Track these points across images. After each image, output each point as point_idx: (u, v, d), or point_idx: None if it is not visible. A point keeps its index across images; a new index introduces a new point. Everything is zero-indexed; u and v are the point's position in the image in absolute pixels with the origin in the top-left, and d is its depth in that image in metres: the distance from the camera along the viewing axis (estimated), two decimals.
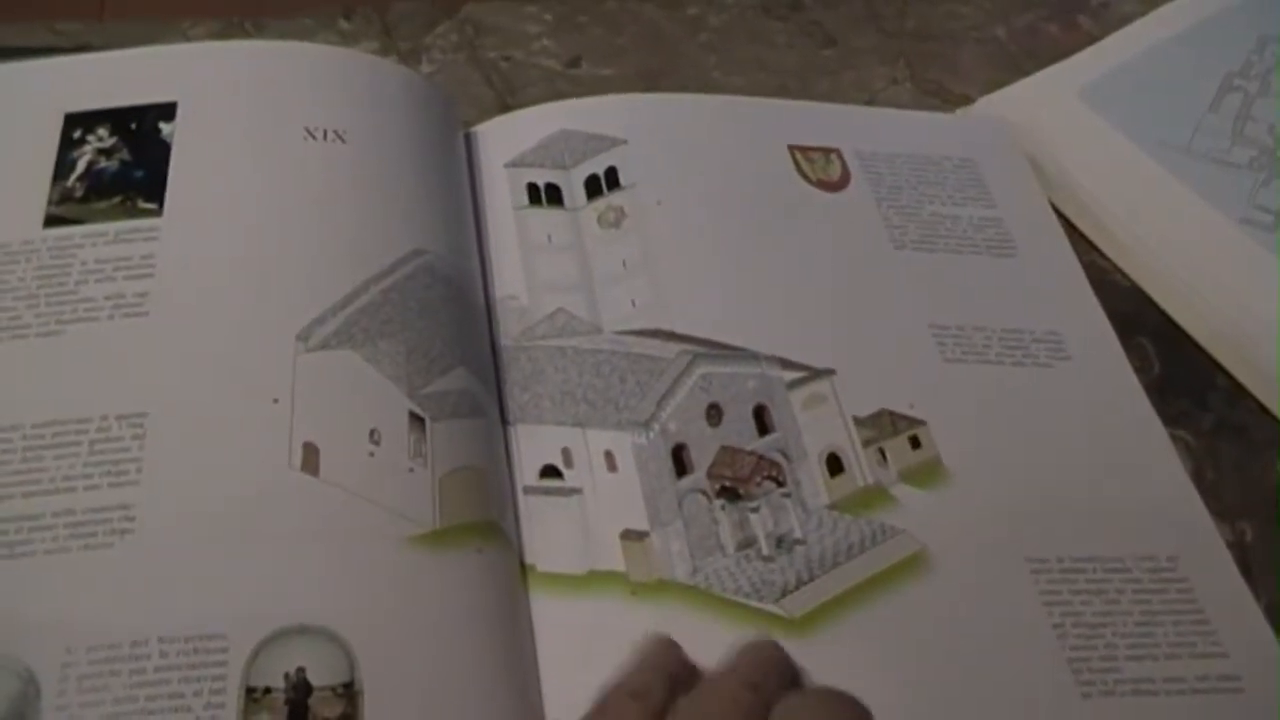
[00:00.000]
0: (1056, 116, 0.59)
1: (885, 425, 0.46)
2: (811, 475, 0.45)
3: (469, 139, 0.54)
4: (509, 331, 0.47)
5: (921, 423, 0.46)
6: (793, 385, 0.46)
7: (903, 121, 0.59)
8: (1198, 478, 0.48)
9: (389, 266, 0.45)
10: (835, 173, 0.54)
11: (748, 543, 0.42)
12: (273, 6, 0.62)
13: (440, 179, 0.50)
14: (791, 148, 0.55)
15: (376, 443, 0.40)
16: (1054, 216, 0.56)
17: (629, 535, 0.42)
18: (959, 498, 0.45)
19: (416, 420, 0.41)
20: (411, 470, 0.40)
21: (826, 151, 0.55)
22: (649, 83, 0.61)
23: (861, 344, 0.48)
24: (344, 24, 0.62)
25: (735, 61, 0.63)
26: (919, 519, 0.44)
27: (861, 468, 0.45)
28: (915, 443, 0.46)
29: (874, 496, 0.44)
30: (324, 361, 0.42)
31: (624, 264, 0.49)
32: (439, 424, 0.42)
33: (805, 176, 0.54)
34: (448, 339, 0.44)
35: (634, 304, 0.48)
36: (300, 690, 0.35)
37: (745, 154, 0.54)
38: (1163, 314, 0.54)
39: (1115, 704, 0.40)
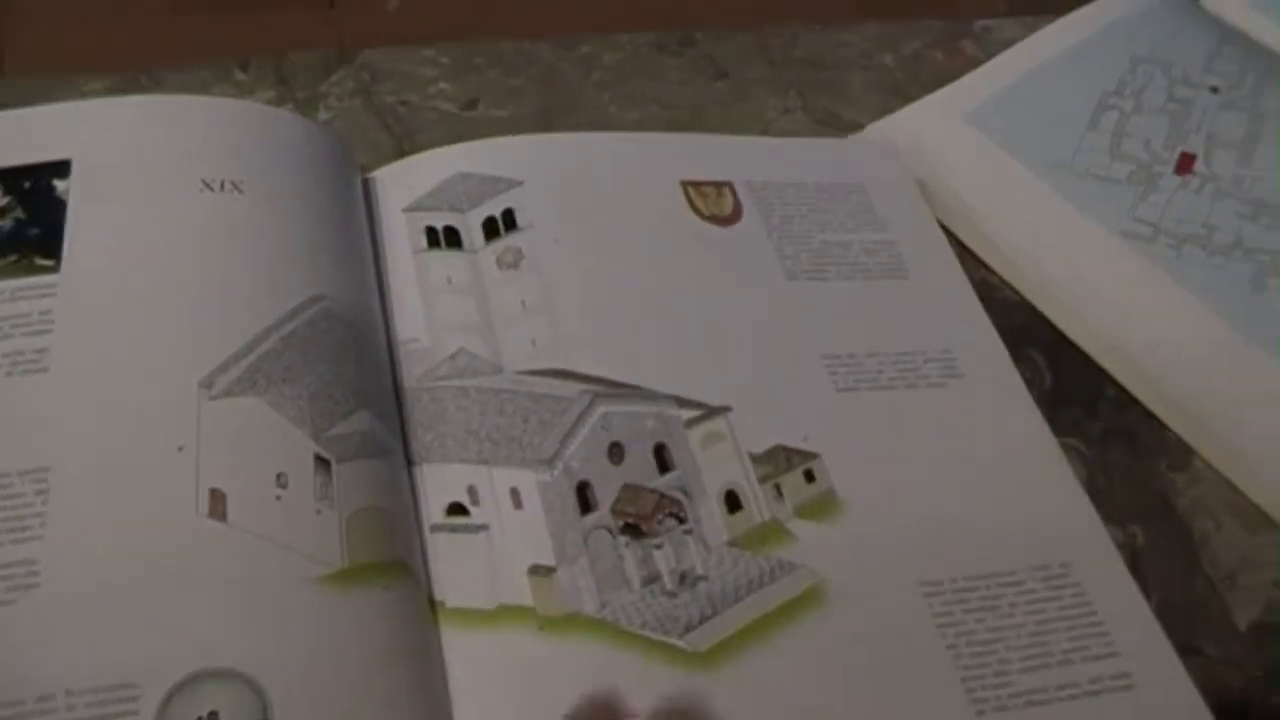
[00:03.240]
0: (944, 139, 0.61)
1: (780, 460, 0.47)
2: (711, 513, 0.46)
3: (367, 185, 0.55)
4: (411, 373, 0.48)
5: (815, 456, 0.48)
6: (690, 424, 0.48)
7: (792, 151, 0.61)
8: (1090, 484, 0.50)
9: (289, 313, 0.46)
10: (727, 207, 0.56)
11: (652, 578, 0.44)
12: (169, 60, 0.63)
13: (339, 225, 0.51)
14: (684, 183, 0.56)
15: (283, 486, 0.41)
16: (943, 236, 0.58)
17: (537, 570, 0.43)
18: (853, 528, 0.46)
19: (322, 463, 0.42)
20: (318, 512, 0.41)
21: (719, 185, 0.57)
22: (546, 122, 0.63)
23: (756, 379, 0.50)
24: (240, 75, 0.63)
25: (629, 98, 0.65)
26: (815, 552, 0.45)
27: (759, 504, 0.46)
28: (809, 476, 0.47)
29: (771, 532, 0.46)
30: (228, 408, 0.43)
31: (523, 304, 0.50)
32: (344, 466, 0.43)
33: (698, 211, 0.56)
34: (350, 382, 0.45)
35: (534, 343, 0.49)
36: None
37: (638, 191, 0.56)
38: (1052, 326, 0.56)
39: (1009, 718, 0.42)
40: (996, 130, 0.61)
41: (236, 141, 0.51)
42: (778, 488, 0.47)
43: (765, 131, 0.64)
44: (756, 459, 0.47)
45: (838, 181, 0.59)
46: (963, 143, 0.61)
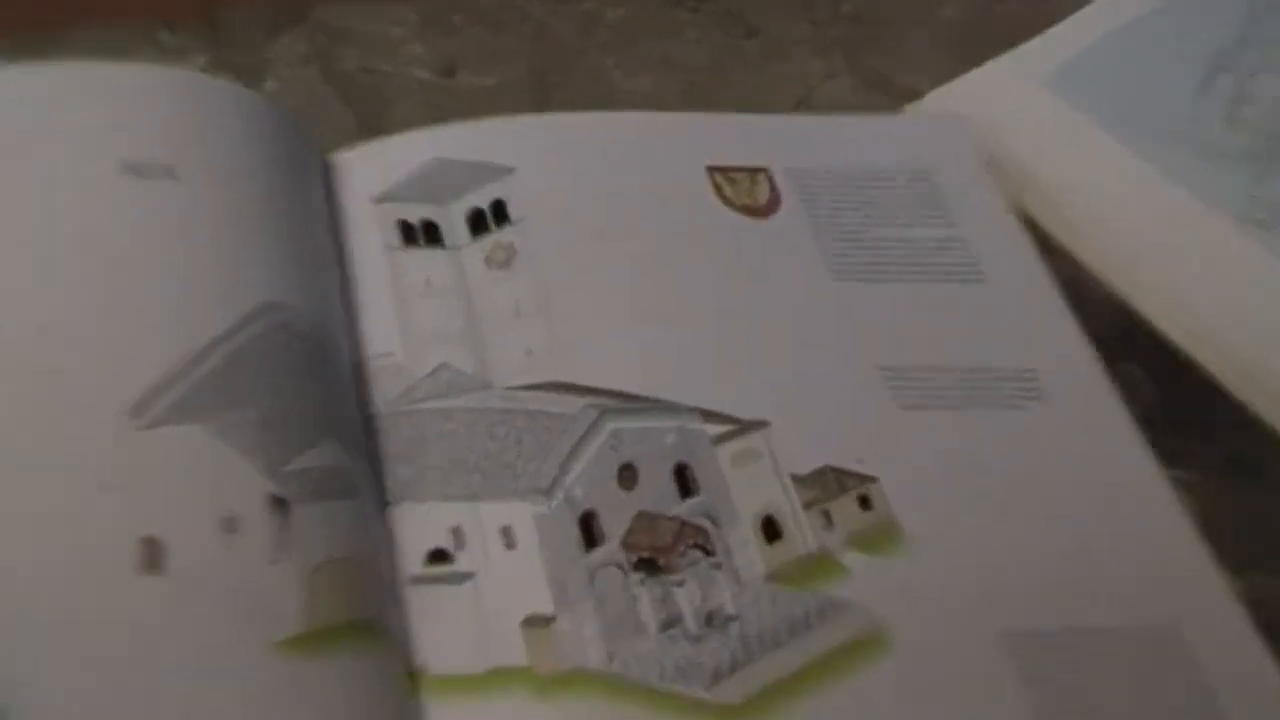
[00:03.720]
0: (1020, 109, 0.62)
1: (829, 483, 0.48)
2: (744, 541, 0.47)
3: (327, 170, 0.56)
4: (384, 394, 0.49)
5: (872, 479, 0.49)
6: (719, 440, 0.49)
7: (842, 130, 0.62)
8: (1204, 525, 0.50)
9: (236, 324, 0.47)
10: (763, 195, 0.57)
11: (672, 621, 0.45)
12: (77, 17, 0.63)
13: (293, 219, 0.52)
14: (711, 169, 0.58)
15: (231, 533, 0.42)
16: (1023, 231, 0.59)
17: (532, 621, 0.44)
18: (919, 565, 0.47)
19: (278, 504, 0.43)
20: (275, 563, 0.42)
21: (752, 172, 0.58)
22: (540, 92, 0.64)
23: (798, 391, 0.51)
24: (166, 36, 0.63)
25: (638, 61, 0.66)
26: (873, 590, 0.46)
27: (803, 532, 0.48)
28: (865, 502, 0.48)
29: (819, 565, 0.47)
30: (163, 439, 0.43)
31: (516, 308, 0.52)
32: (305, 508, 0.43)
33: (727, 201, 0.57)
34: (311, 407, 0.46)
35: (529, 353, 0.50)
36: None
37: (656, 178, 0.57)
38: (1155, 333, 0.57)
39: None
40: (1085, 98, 0.62)
41: (167, 119, 0.52)
42: (826, 514, 0.48)
43: (805, 100, 0.65)
44: (800, 481, 0.49)
45: (897, 166, 0.60)
46: (1043, 113, 0.62)
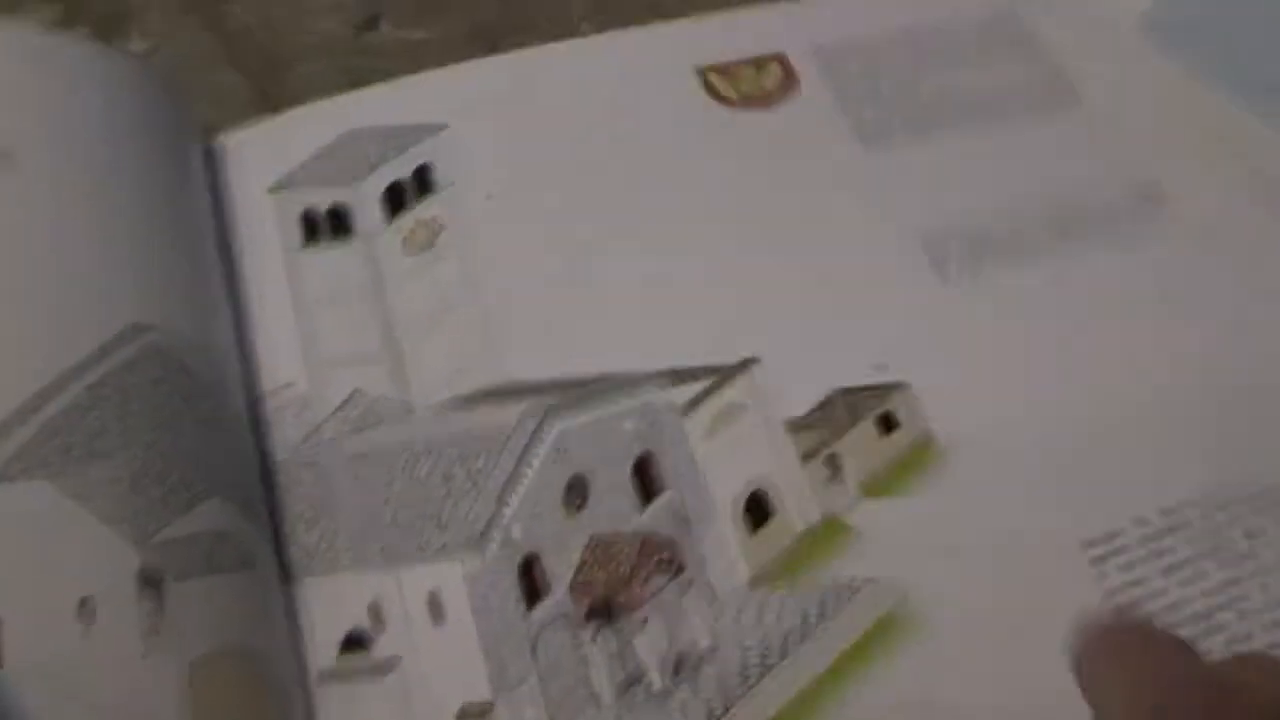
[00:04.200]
0: (1107, 55, 0.61)
1: (838, 416, 0.48)
2: (722, 541, 0.46)
3: (211, 155, 0.55)
4: (285, 438, 0.49)
5: (898, 387, 0.48)
6: (691, 406, 0.48)
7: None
8: None
9: (97, 351, 0.46)
10: (771, 81, 0.57)
11: (633, 679, 0.44)
12: None
13: (168, 217, 0.51)
14: (703, 69, 0.58)
15: (89, 619, 0.41)
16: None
17: (467, 713, 0.43)
18: (964, 481, 0.47)
19: (149, 581, 0.42)
20: (144, 657, 0.41)
21: (759, 62, 0.58)
22: (485, 49, 0.62)
23: (802, 301, 0.51)
24: None
25: (617, 8, 0.64)
26: (898, 545, 0.45)
27: (800, 500, 0.47)
28: (887, 423, 0.48)
29: (821, 539, 0.46)
30: (2, 498, 0.42)
31: (440, 299, 0.51)
32: (185, 584, 0.42)
33: (723, 99, 0.57)
34: (192, 456, 0.45)
35: (459, 357, 0.50)
36: None
37: (627, 98, 0.57)
38: None
39: None
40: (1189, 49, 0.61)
41: (4, 89, 0.51)
42: (833, 459, 0.47)
43: None
44: (797, 426, 0.48)
45: (968, 16, 0.60)
46: (1136, 68, 0.61)
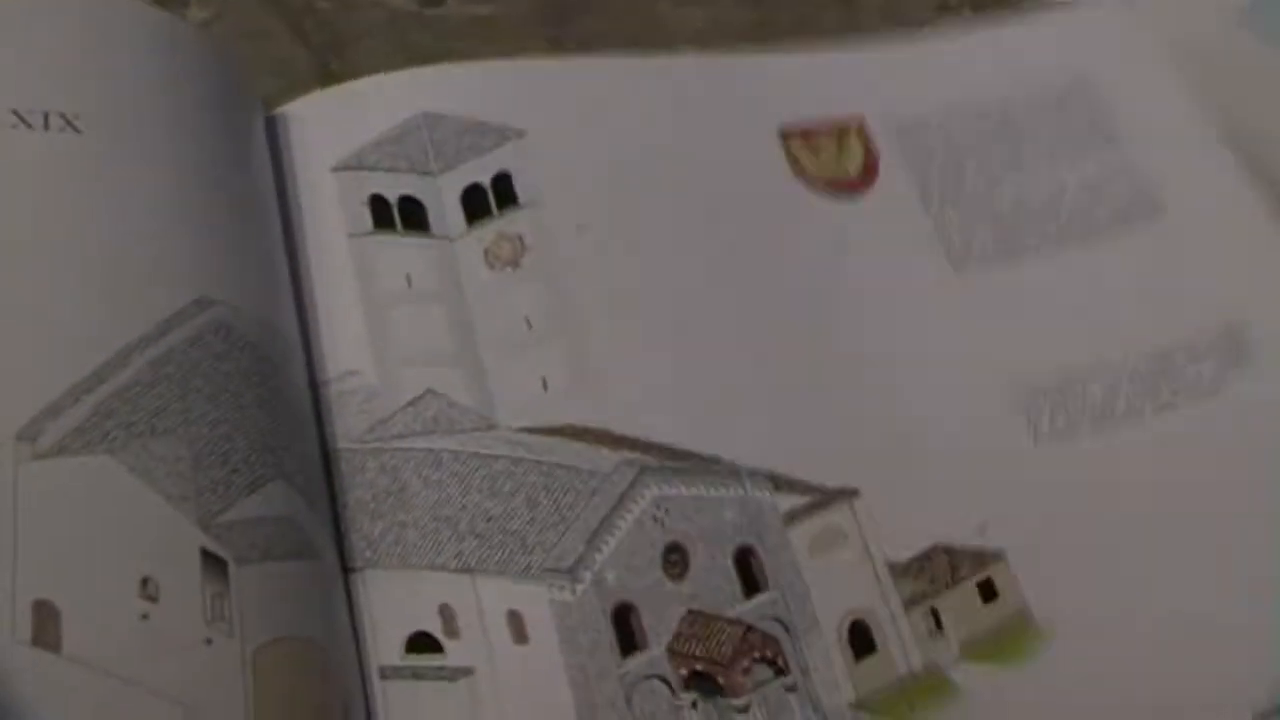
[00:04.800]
0: (1211, 48, 0.60)
1: (939, 570, 0.47)
2: (827, 656, 0.46)
3: (272, 126, 0.55)
4: (349, 426, 0.48)
5: (997, 557, 0.48)
6: (793, 517, 0.48)
7: (959, 50, 0.60)
8: None
9: (160, 325, 0.45)
10: (854, 163, 0.56)
11: None
12: None
13: (232, 188, 0.51)
14: (785, 134, 0.57)
15: (151, 599, 0.40)
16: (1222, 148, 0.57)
17: None
18: (1063, 671, 0.46)
19: (213, 564, 0.42)
20: (209, 641, 0.40)
21: (839, 129, 0.57)
22: (555, 25, 0.62)
23: (900, 441, 0.50)
24: None
25: None
26: (999, 715, 0.45)
27: (903, 643, 0.46)
28: (988, 591, 0.47)
29: (925, 689, 0.46)
30: (61, 474, 0.42)
31: (527, 323, 0.51)
32: (248, 569, 0.42)
33: (806, 175, 0.56)
34: (256, 437, 0.45)
35: (545, 384, 0.49)
36: None
37: (713, 148, 0.56)
38: None
39: None
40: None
41: (69, 54, 0.51)
42: (934, 614, 0.47)
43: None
44: (900, 570, 0.47)
45: (1042, 81, 0.59)
46: (1242, 60, 0.60)
